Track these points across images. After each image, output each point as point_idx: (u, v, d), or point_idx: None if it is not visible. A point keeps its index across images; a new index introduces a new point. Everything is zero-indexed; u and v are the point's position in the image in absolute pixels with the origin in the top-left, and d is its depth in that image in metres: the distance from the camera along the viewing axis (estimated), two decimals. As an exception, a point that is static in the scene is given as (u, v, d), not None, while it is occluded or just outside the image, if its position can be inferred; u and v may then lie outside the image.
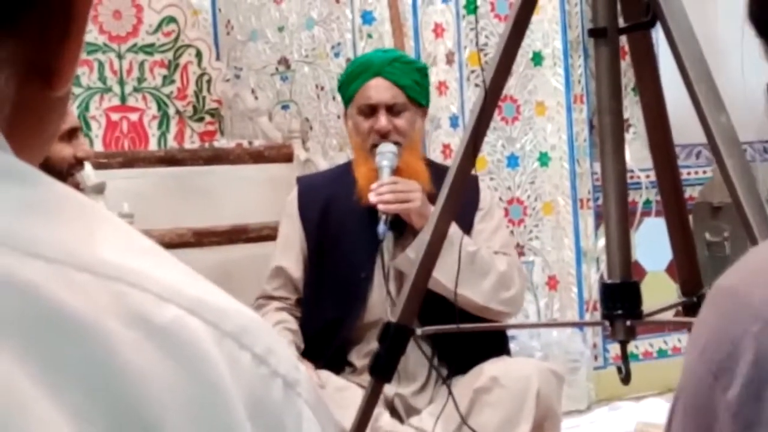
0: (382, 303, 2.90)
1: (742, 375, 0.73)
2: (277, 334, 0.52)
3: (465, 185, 2.20)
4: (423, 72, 3.08)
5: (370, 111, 2.95)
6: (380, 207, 2.81)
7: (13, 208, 0.48)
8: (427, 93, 3.07)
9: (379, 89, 2.95)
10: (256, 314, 0.52)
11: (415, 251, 2.72)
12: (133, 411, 0.45)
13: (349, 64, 3.16)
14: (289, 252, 3.04)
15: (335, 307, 2.94)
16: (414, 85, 2.98)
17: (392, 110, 2.94)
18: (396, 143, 2.92)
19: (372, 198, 2.82)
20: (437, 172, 3.00)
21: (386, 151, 2.90)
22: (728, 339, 0.74)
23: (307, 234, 3.01)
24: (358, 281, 2.93)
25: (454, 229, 2.57)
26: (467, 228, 2.88)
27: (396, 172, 2.90)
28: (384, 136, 2.91)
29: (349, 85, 3.02)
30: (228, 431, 0.47)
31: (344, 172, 3.06)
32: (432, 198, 2.87)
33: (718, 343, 0.75)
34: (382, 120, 2.92)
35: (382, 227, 2.80)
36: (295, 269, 3.02)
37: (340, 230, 2.98)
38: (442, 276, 2.61)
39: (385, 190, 2.83)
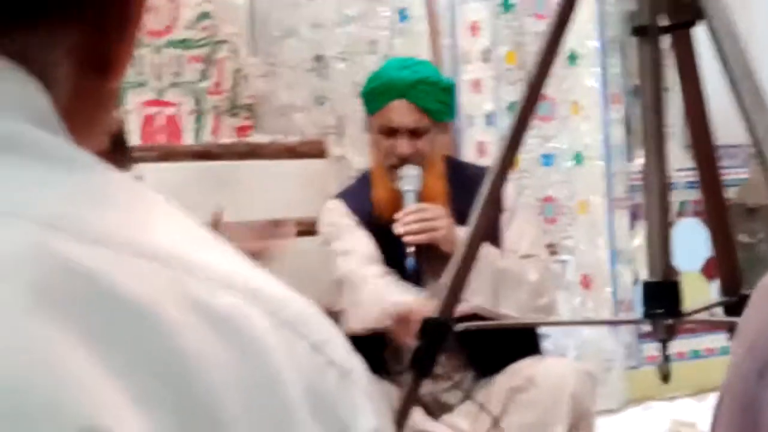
0: None
1: None
2: (332, 324, 0.53)
3: (505, 181, 2.20)
4: (449, 90, 3.03)
5: (392, 132, 2.91)
6: (407, 239, 2.77)
7: (73, 193, 0.49)
8: (451, 110, 3.02)
9: (402, 112, 2.89)
10: (311, 303, 0.52)
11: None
12: (193, 395, 0.46)
13: (373, 76, 3.05)
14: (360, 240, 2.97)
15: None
16: (439, 106, 2.93)
17: (414, 133, 2.90)
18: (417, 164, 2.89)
19: (399, 229, 2.77)
20: (460, 172, 2.98)
21: (410, 175, 2.86)
22: None
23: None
24: None
25: (484, 249, 2.56)
26: (494, 234, 2.86)
27: (419, 195, 2.87)
28: (404, 160, 2.88)
29: (373, 100, 2.97)
30: (287, 419, 0.48)
31: (367, 186, 3.02)
32: (454, 206, 2.84)
33: (764, 341, 0.75)
34: (404, 145, 2.88)
35: (410, 261, 2.76)
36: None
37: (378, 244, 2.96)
38: (478, 299, 2.59)
39: (411, 219, 2.79)
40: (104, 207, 0.49)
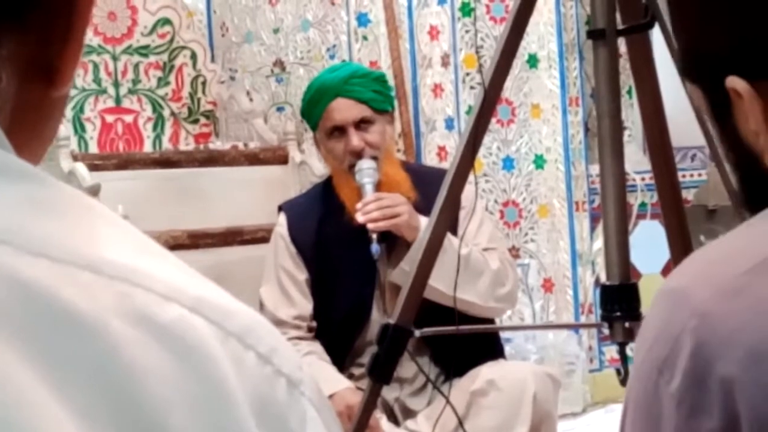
0: (381, 318, 2.90)
1: (682, 367, 0.79)
2: (280, 334, 0.52)
3: (464, 184, 2.20)
4: (381, 80, 3.06)
5: (339, 132, 2.93)
6: (369, 226, 2.79)
7: (16, 206, 0.48)
8: (390, 99, 3.06)
9: (342, 110, 2.92)
10: (258, 314, 0.52)
11: (409, 264, 2.72)
12: (137, 409, 0.45)
13: (306, 90, 3.09)
14: (289, 294, 3.00)
15: (339, 328, 2.94)
16: (376, 95, 2.96)
17: (361, 126, 2.92)
18: (373, 157, 2.91)
19: (359, 218, 2.80)
20: (417, 175, 3.01)
21: (365, 168, 2.88)
22: (670, 336, 0.80)
23: (305, 261, 2.99)
24: (359, 301, 2.92)
25: (446, 239, 2.57)
26: (452, 228, 2.87)
27: (378, 186, 2.89)
28: (358, 154, 2.90)
29: (312, 111, 2.99)
30: (233, 428, 0.47)
31: (326, 192, 3.03)
32: (415, 204, 2.87)
33: (661, 340, 0.81)
34: (354, 139, 2.90)
35: (374, 247, 2.79)
36: (302, 304, 2.99)
37: (336, 252, 2.97)
38: (439, 283, 2.60)
39: (371, 208, 2.81)
40: (49, 219, 0.48)
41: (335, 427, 0.53)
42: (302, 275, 2.99)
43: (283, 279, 3.01)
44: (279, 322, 2.94)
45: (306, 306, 2.98)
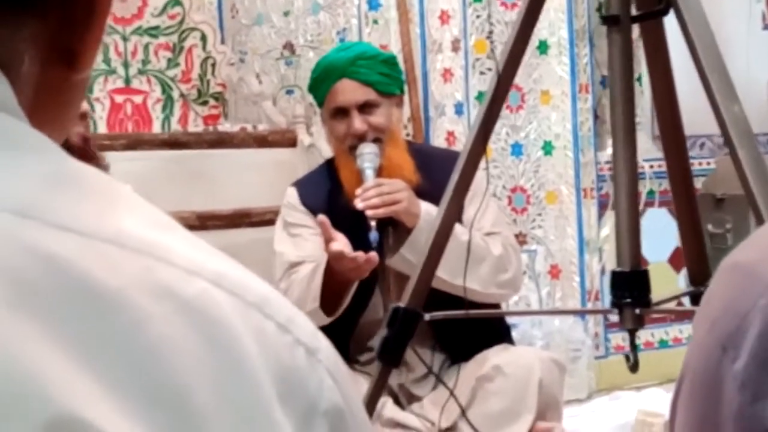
0: (382, 301, 2.89)
1: (749, 347, 0.73)
2: (293, 305, 0.53)
3: (475, 170, 2.20)
4: (391, 62, 3.02)
5: (343, 113, 2.90)
6: (368, 213, 2.76)
7: (42, 180, 0.48)
8: (399, 81, 3.01)
9: (346, 91, 2.89)
10: (271, 286, 0.53)
11: (409, 250, 2.71)
12: (165, 382, 0.46)
13: (314, 67, 3.05)
14: (304, 237, 2.97)
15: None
16: (382, 78, 2.92)
17: (365, 109, 2.89)
18: (376, 139, 2.88)
19: (359, 204, 2.76)
20: (423, 157, 2.98)
21: (367, 153, 2.85)
22: (737, 312, 0.75)
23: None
24: (361, 282, 2.89)
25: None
26: (458, 211, 2.86)
27: (380, 170, 2.86)
28: (361, 137, 2.88)
29: (318, 89, 2.96)
30: (254, 402, 0.48)
31: (330, 171, 3.01)
32: (419, 187, 2.85)
33: (728, 316, 0.75)
34: (356, 122, 2.87)
35: (373, 234, 2.75)
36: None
37: (339, 229, 2.95)
38: (444, 272, 2.59)
39: (370, 194, 2.78)
40: (75, 194, 0.49)
41: (351, 391, 0.54)
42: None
43: (294, 230, 2.99)
44: (295, 264, 2.94)
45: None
